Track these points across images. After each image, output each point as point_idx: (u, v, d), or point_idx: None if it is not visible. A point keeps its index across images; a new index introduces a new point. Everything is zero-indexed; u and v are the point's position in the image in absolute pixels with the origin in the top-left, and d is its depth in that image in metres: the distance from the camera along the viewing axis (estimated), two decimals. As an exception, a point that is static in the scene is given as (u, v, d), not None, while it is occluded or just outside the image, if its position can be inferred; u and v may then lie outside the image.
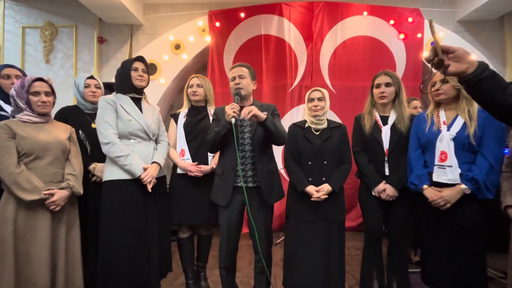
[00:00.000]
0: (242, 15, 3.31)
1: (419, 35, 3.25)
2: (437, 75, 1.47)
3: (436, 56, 0.82)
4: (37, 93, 1.33)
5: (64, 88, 3.53)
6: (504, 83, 0.82)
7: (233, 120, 1.43)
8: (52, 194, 1.30)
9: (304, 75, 3.27)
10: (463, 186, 1.38)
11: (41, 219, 1.28)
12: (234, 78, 1.59)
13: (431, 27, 0.80)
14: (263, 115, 1.45)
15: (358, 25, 3.26)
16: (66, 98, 2.97)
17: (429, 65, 0.86)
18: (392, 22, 3.26)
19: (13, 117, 1.35)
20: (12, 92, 1.33)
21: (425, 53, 3.23)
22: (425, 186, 1.48)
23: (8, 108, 1.60)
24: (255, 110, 1.42)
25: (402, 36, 3.25)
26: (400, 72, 3.26)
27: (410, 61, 3.25)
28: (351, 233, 3.07)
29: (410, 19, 3.26)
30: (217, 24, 3.33)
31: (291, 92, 3.27)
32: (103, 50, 3.65)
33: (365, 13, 3.25)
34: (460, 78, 0.84)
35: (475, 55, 3.22)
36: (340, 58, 3.27)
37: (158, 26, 3.59)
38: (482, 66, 0.82)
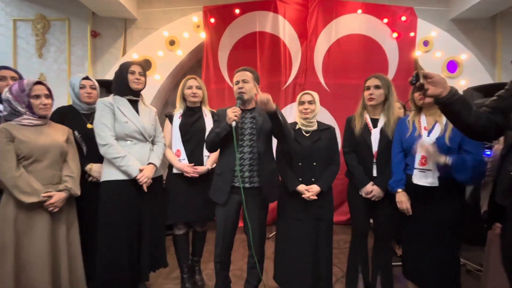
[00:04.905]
0: (237, 11, 3.29)
1: (412, 34, 3.28)
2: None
3: (418, 81, 1.02)
4: (38, 96, 1.35)
5: (57, 82, 3.51)
6: (470, 106, 1.01)
7: (233, 124, 1.49)
8: (51, 197, 1.34)
9: (298, 72, 3.29)
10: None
11: (40, 219, 1.33)
12: (238, 82, 1.64)
13: (416, 63, 0.93)
14: (273, 105, 1.47)
15: (352, 23, 3.28)
16: (59, 93, 2.94)
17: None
18: (385, 20, 3.28)
19: (7, 120, 1.36)
20: (8, 96, 1.33)
21: (418, 53, 3.29)
22: (399, 190, 1.60)
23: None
24: (268, 96, 1.43)
25: (395, 35, 3.28)
26: (392, 70, 3.31)
27: (403, 60, 3.27)
28: (340, 227, 3.17)
29: (403, 18, 3.28)
30: (212, 20, 3.31)
31: (285, 90, 3.30)
32: (97, 45, 3.61)
33: (359, 11, 3.26)
34: (435, 99, 1.04)
35: (466, 55, 3.28)
36: (334, 56, 3.29)
37: (152, 20, 3.55)
38: (453, 90, 1.02)
